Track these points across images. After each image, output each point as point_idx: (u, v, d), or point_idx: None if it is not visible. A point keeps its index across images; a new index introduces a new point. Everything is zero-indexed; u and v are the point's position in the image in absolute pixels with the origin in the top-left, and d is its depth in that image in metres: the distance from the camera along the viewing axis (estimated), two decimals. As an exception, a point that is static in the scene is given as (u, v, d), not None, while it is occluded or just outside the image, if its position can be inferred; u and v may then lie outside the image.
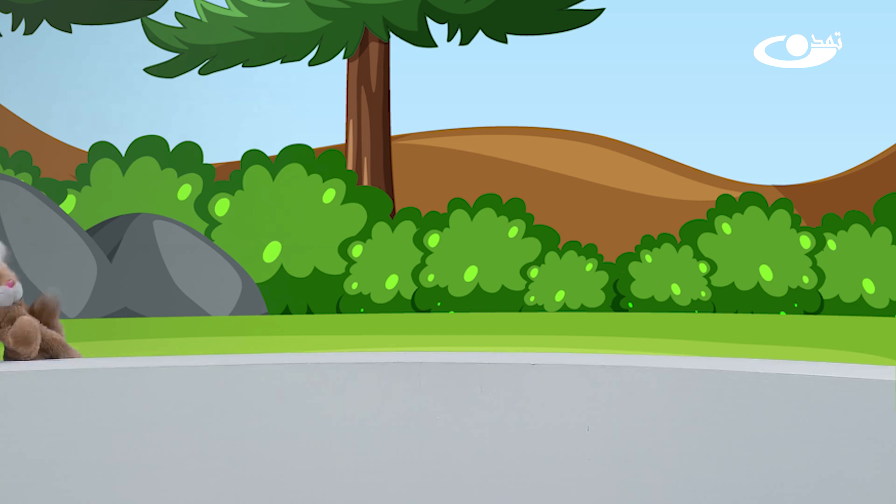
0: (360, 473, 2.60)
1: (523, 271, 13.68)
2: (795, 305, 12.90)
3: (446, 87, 14.22)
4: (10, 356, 2.98)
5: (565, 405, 2.57)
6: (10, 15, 13.17)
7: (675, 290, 13.32)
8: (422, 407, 2.63)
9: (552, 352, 3.37)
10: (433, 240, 13.55)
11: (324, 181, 13.18)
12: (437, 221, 13.55)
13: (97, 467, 2.58)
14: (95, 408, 2.60)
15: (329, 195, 13.19)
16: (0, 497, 2.55)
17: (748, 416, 2.43)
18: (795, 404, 2.41)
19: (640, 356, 2.80)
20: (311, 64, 13.99)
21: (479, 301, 13.57)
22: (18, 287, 2.88)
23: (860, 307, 12.39)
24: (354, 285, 13.37)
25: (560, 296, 13.59)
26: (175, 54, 13.78)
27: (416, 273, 13.53)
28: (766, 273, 13.01)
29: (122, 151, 12.59)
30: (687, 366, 2.54)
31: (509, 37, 13.91)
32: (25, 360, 2.92)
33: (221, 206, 12.81)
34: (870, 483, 2.35)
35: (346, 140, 14.49)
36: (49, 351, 3.00)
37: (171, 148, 12.72)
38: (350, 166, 14.12)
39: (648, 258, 13.43)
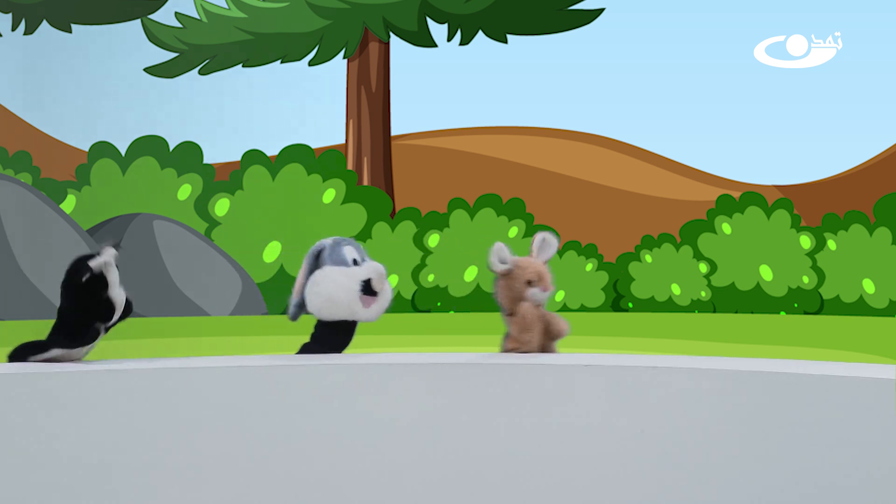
0: (403, 475, 2.60)
1: (523, 271, 13.67)
2: (795, 305, 12.89)
3: (446, 87, 14.19)
4: (510, 349, 3.07)
5: (617, 407, 2.57)
6: (10, 15, 13.16)
7: (675, 290, 13.32)
8: (467, 409, 2.63)
9: (604, 353, 3.40)
10: (433, 240, 13.55)
11: (324, 181, 13.17)
12: (437, 221, 13.55)
13: (146, 468, 2.57)
14: (145, 409, 2.60)
15: (329, 195, 13.18)
16: (50, 498, 2.54)
17: (793, 417, 2.44)
18: (834, 404, 2.42)
19: (691, 358, 2.81)
20: (311, 64, 13.97)
21: (479, 301, 13.55)
22: (550, 293, 3.04)
23: (860, 307, 12.38)
24: (354, 285, 13.37)
25: (560, 296, 13.59)
26: (175, 54, 13.77)
27: (416, 273, 13.52)
28: (766, 273, 13.00)
29: (122, 151, 12.58)
30: (738, 367, 2.55)
31: (509, 37, 13.90)
32: (525, 351, 3.01)
33: (221, 206, 12.80)
34: (871, 484, 2.36)
35: (346, 140, 14.48)
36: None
37: (171, 148, 12.71)
38: (350, 166, 14.10)
39: (648, 258, 13.43)
